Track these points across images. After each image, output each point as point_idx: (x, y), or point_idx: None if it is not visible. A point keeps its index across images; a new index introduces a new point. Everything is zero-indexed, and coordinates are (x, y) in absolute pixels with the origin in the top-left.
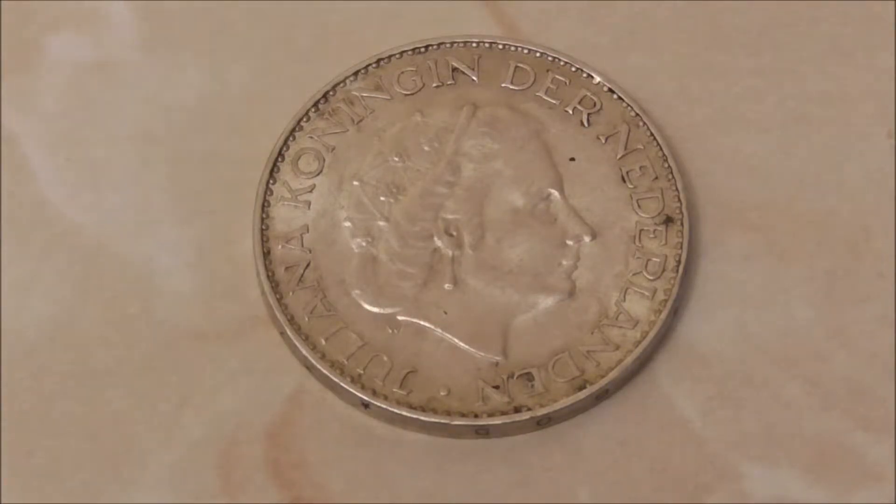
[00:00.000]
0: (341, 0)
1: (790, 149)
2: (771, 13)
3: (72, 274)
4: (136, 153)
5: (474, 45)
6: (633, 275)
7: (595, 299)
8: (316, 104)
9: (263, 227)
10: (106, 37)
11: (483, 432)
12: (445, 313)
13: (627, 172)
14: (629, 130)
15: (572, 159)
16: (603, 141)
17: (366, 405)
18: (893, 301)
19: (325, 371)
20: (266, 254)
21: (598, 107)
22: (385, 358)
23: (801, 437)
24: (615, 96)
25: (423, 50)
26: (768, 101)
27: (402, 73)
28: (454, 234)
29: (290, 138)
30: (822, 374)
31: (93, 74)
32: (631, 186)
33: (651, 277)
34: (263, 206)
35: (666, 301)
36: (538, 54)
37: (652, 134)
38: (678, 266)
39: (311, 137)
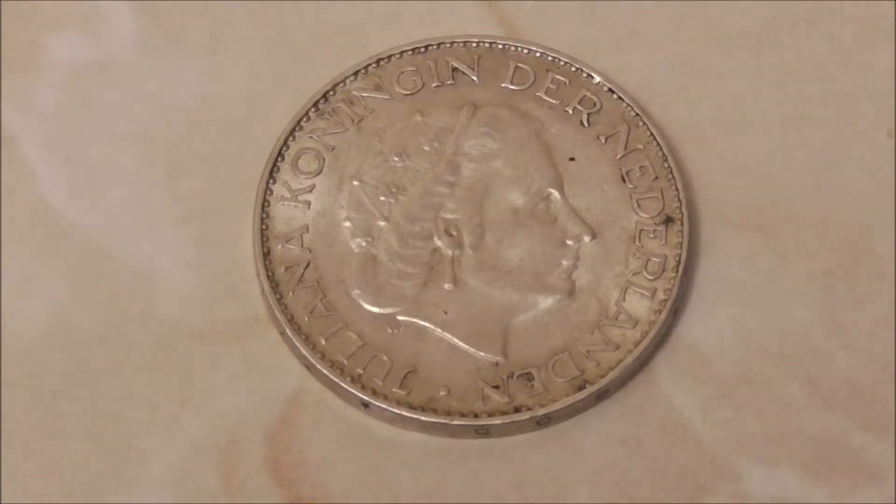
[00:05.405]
0: (341, 0)
1: (790, 149)
2: (771, 13)
3: (72, 274)
4: (135, 153)
5: (474, 45)
6: (633, 275)
7: (595, 299)
8: (316, 104)
9: (263, 227)
10: (106, 37)
11: (483, 432)
12: (445, 313)
13: (627, 172)
14: (629, 130)
15: (572, 159)
16: (603, 141)
17: (366, 405)
18: (893, 301)
19: (325, 371)
20: (266, 254)
21: (598, 107)
22: (385, 358)
23: (801, 437)
24: (615, 96)
25: (423, 50)
26: (768, 101)
27: (402, 73)
28: (454, 233)
29: (290, 138)
30: (822, 374)
31: (92, 74)
32: (631, 186)
33: (651, 277)
34: (263, 206)
35: (666, 301)
36: (538, 54)
37: (652, 134)
38: (678, 266)
39: (311, 137)
